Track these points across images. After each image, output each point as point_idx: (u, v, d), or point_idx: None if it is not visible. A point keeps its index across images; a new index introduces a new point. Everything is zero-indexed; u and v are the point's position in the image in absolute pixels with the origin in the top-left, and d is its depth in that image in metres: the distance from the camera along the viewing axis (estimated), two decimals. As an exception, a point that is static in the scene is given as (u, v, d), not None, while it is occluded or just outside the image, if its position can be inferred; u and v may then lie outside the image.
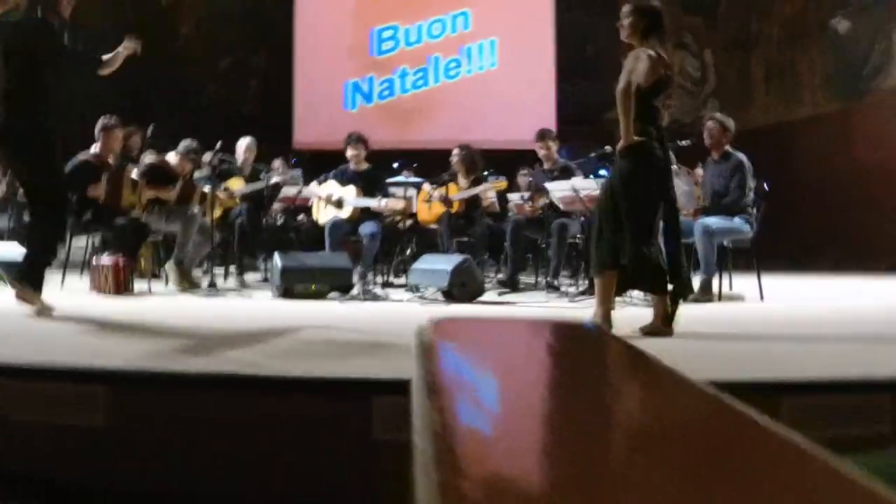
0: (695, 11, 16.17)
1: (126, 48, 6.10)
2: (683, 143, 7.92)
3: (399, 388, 3.10)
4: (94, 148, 8.47)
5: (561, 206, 8.00)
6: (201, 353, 4.24)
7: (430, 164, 12.26)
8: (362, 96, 15.84)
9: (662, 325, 5.03)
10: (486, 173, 9.80)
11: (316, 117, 15.39)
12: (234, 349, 4.37)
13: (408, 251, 9.91)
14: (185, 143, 8.84)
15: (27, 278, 5.71)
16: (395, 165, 10.95)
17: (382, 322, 5.92)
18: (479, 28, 15.29)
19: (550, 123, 14.84)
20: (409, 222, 9.48)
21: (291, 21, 15.89)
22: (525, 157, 12.57)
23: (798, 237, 12.24)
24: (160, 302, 7.12)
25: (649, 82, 5.03)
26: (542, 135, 8.94)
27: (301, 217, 10.51)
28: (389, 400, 3.15)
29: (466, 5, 15.29)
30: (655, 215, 5.13)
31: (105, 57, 6.10)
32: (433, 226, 9.38)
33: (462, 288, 7.10)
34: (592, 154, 8.53)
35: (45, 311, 5.63)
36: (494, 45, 15.33)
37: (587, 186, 7.55)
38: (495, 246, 9.51)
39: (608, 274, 5.13)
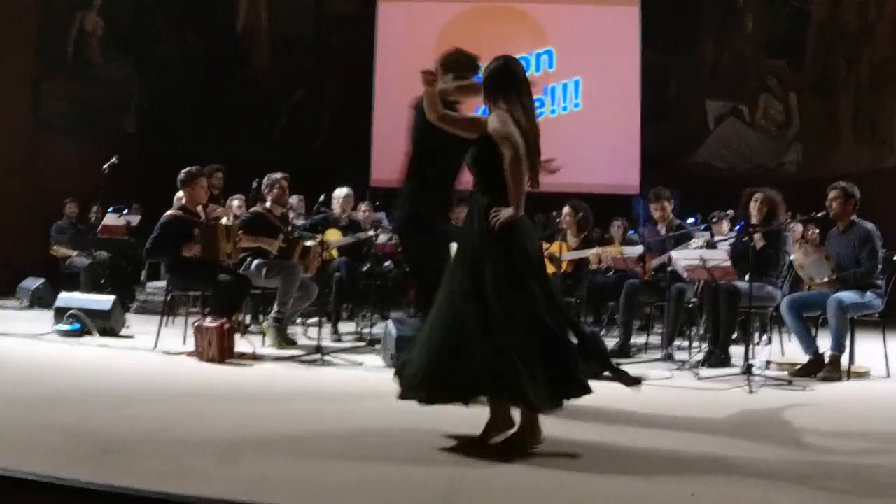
0: (779, 55, 15.84)
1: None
2: (819, 215, 7.52)
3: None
4: (180, 201, 8.21)
5: (684, 276, 7.62)
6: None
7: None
8: (442, 134, 15.42)
9: None
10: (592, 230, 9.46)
11: (396, 154, 15.04)
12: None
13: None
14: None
15: None
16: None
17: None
18: (563, 67, 14.93)
19: (635, 167, 14.60)
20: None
21: (370, 55, 15.56)
22: (615, 203, 12.29)
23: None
24: (269, 372, 6.73)
25: None
26: (658, 195, 8.52)
27: (388, 264, 10.22)
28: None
29: (550, 44, 14.98)
30: None
31: None
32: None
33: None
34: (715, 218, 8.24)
35: None
36: (579, 85, 15.00)
37: (716, 257, 7.19)
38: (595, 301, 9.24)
39: None
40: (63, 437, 4.17)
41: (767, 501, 3.50)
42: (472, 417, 4.49)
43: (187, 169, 7.99)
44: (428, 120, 4.77)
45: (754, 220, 7.71)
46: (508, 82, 4.70)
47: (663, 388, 6.57)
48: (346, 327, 9.30)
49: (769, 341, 8.67)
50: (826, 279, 7.29)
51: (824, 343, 7.29)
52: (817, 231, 9.75)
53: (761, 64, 15.95)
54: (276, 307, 8.08)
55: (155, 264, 10.91)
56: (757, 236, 7.40)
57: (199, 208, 8.05)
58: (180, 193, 8.68)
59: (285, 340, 7.95)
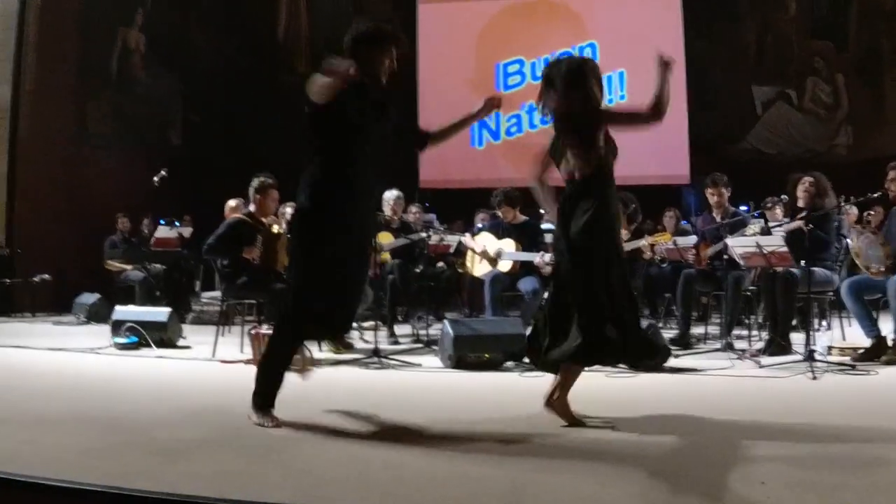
0: (824, 36, 15.62)
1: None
2: (875, 195, 7.36)
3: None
4: (237, 210, 8.27)
5: (742, 263, 7.51)
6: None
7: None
8: (489, 133, 15.54)
9: None
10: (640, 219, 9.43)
11: (442, 155, 15.04)
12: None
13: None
14: None
15: None
16: (542, 211, 10.52)
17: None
18: (606, 60, 14.75)
19: (683, 157, 14.47)
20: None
21: (413, 56, 15.48)
22: (666, 194, 12.18)
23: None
24: (327, 377, 6.58)
25: None
26: (716, 181, 8.35)
27: (441, 265, 10.26)
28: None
29: (592, 37, 14.91)
30: None
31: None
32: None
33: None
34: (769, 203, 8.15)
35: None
36: (623, 77, 14.90)
37: (772, 243, 7.08)
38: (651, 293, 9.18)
39: None
40: (125, 447, 4.16)
41: (840, 486, 3.43)
42: (534, 417, 4.46)
43: (261, 179, 8.03)
44: (315, 106, 4.62)
45: (801, 204, 7.61)
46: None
47: (725, 377, 6.49)
48: (401, 329, 9.30)
49: (829, 327, 8.54)
50: (882, 268, 7.13)
51: (886, 326, 7.18)
52: (874, 211, 9.58)
53: (806, 46, 15.76)
54: (331, 312, 8.05)
55: (209, 274, 10.96)
56: (802, 221, 7.29)
57: (265, 218, 8.06)
58: (232, 202, 8.71)
59: (342, 345, 7.94)
